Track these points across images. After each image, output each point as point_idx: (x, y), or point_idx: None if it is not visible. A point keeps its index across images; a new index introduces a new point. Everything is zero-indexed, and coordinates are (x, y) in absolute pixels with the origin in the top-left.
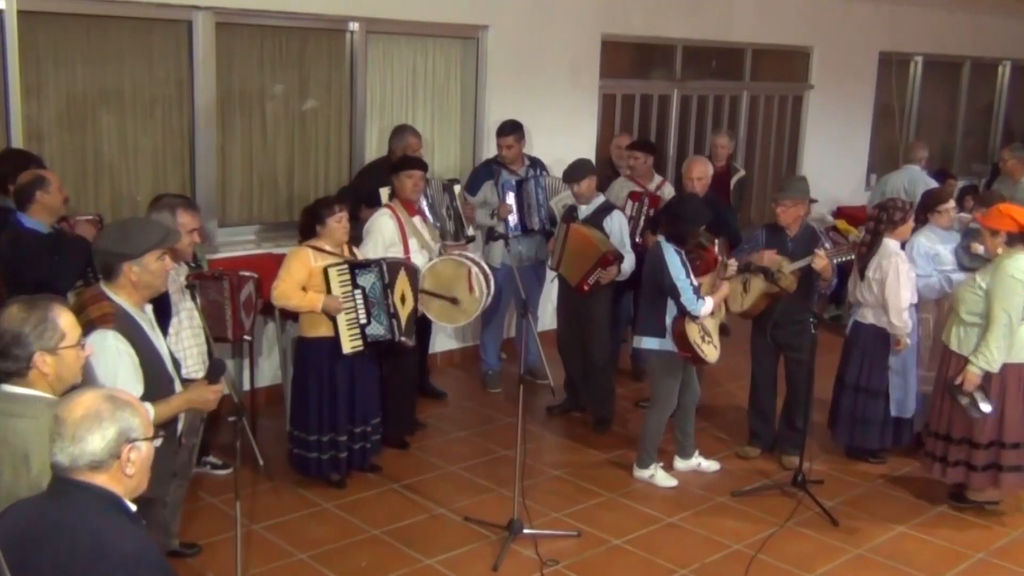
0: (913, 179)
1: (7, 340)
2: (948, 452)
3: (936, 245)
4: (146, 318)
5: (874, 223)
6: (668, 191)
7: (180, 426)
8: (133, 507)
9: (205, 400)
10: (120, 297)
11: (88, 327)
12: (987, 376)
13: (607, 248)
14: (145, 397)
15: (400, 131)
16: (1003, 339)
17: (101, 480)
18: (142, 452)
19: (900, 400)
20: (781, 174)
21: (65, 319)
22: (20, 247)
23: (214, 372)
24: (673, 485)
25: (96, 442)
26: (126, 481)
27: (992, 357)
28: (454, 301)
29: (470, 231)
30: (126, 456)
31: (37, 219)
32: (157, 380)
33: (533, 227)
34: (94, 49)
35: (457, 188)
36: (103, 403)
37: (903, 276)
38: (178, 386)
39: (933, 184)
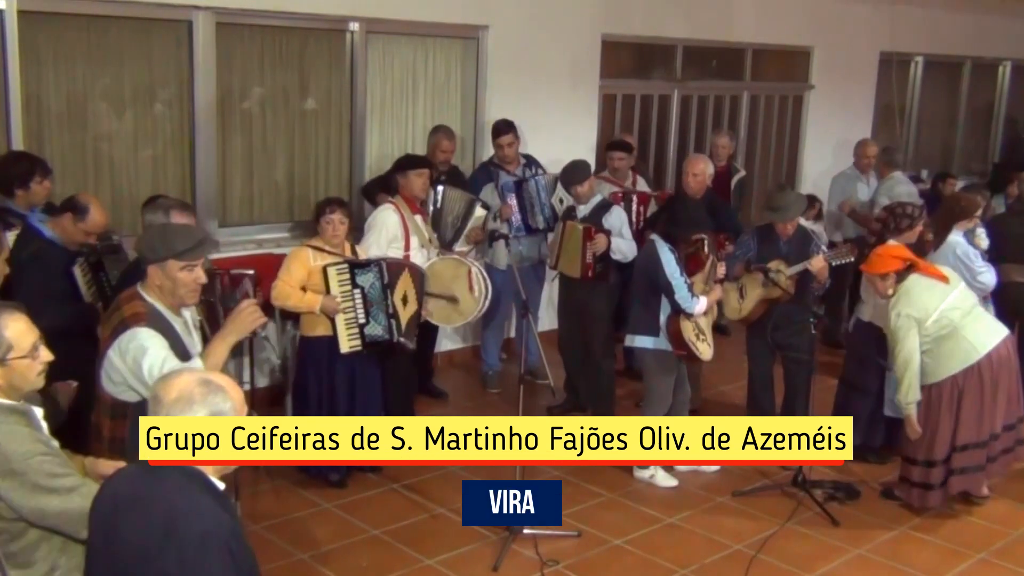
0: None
1: None
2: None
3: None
4: (181, 322)
5: (881, 225)
6: (641, 184)
7: None
8: (221, 485)
9: (244, 322)
10: (152, 297)
11: (120, 326)
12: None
13: (586, 225)
14: None
15: (434, 131)
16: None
17: None
18: None
19: (892, 399)
20: (781, 174)
21: (13, 329)
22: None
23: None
24: (673, 485)
25: None
26: None
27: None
28: (453, 300)
29: (463, 247)
30: None
31: (55, 232)
32: None
33: (537, 226)
34: (94, 49)
35: (479, 211)
36: (196, 387)
37: None
38: None
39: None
